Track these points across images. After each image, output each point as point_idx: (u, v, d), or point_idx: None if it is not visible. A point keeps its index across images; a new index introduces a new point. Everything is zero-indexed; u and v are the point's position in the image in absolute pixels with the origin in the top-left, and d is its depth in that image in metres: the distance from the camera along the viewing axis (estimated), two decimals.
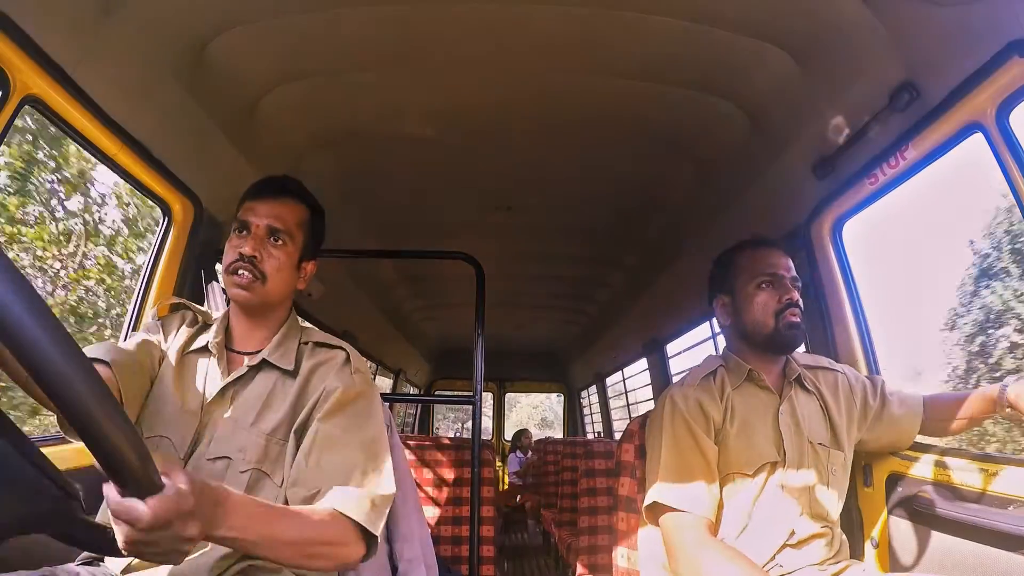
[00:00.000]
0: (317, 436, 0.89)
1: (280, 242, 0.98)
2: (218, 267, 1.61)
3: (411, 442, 2.14)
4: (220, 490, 0.65)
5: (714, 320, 3.07)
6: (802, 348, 1.70)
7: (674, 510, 1.05)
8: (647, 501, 1.10)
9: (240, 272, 0.95)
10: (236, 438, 0.90)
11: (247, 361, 0.97)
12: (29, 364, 0.43)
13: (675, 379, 3.80)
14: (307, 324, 1.07)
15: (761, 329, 1.16)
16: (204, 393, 0.94)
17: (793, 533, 1.08)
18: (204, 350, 0.99)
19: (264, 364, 0.97)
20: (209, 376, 0.96)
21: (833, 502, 1.14)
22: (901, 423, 1.24)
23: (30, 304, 0.43)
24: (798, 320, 1.14)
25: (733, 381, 1.19)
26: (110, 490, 0.53)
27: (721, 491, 1.10)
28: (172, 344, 1.00)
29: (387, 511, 0.86)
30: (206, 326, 1.03)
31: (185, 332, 1.01)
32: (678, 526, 1.04)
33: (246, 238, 0.96)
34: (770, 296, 1.16)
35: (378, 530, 0.83)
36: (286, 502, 0.87)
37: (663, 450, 1.12)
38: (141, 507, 0.53)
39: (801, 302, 1.16)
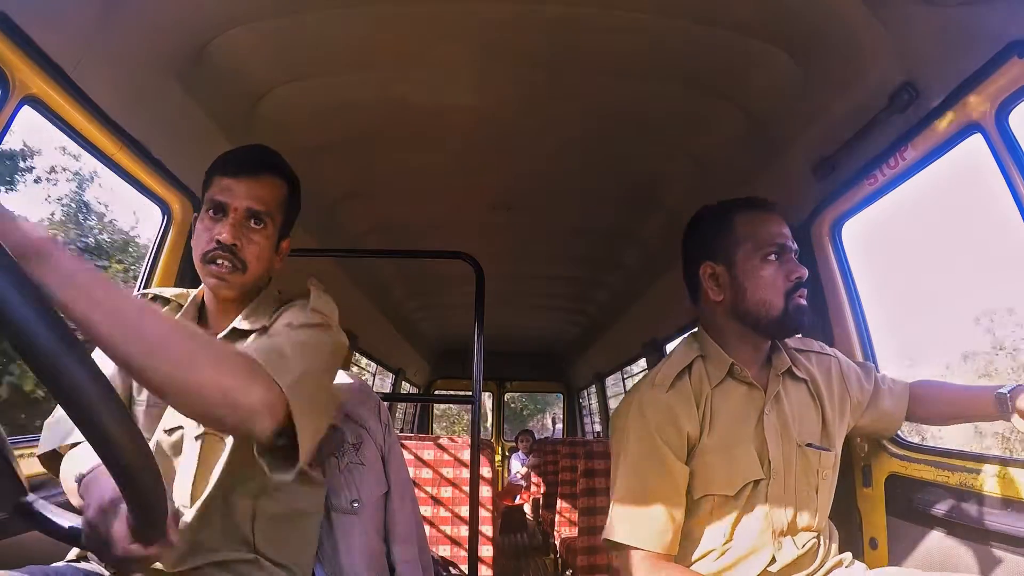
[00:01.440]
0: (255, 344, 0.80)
1: (261, 225, 0.89)
2: None
3: (410, 442, 2.15)
4: (48, 242, 0.53)
5: None
6: None
7: (629, 547, 0.95)
8: (605, 534, 0.99)
9: (218, 261, 0.86)
10: None
11: (219, 336, 0.90)
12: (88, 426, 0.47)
13: None
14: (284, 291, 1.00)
15: (767, 311, 0.99)
16: None
17: (775, 555, 0.97)
18: None
19: (233, 332, 0.91)
20: None
21: (824, 508, 1.05)
22: (890, 411, 1.17)
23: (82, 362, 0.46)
24: (806, 304, 1.00)
25: (713, 376, 1.03)
26: (122, 526, 0.55)
27: (695, 513, 0.98)
28: None
29: (322, 398, 0.75)
30: (179, 307, 0.97)
31: None
32: (634, 564, 0.94)
33: (223, 222, 0.87)
34: (778, 272, 1.00)
35: (285, 383, 0.68)
36: None
37: (623, 471, 0.99)
38: (137, 549, 0.56)
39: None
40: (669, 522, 0.94)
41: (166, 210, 1.58)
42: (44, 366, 0.44)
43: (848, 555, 1.07)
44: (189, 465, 0.87)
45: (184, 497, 0.86)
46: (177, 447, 0.87)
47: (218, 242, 0.86)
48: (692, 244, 1.10)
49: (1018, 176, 1.01)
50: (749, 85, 1.43)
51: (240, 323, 0.91)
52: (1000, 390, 1.00)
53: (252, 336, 0.90)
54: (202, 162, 0.97)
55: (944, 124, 1.14)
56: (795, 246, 1.03)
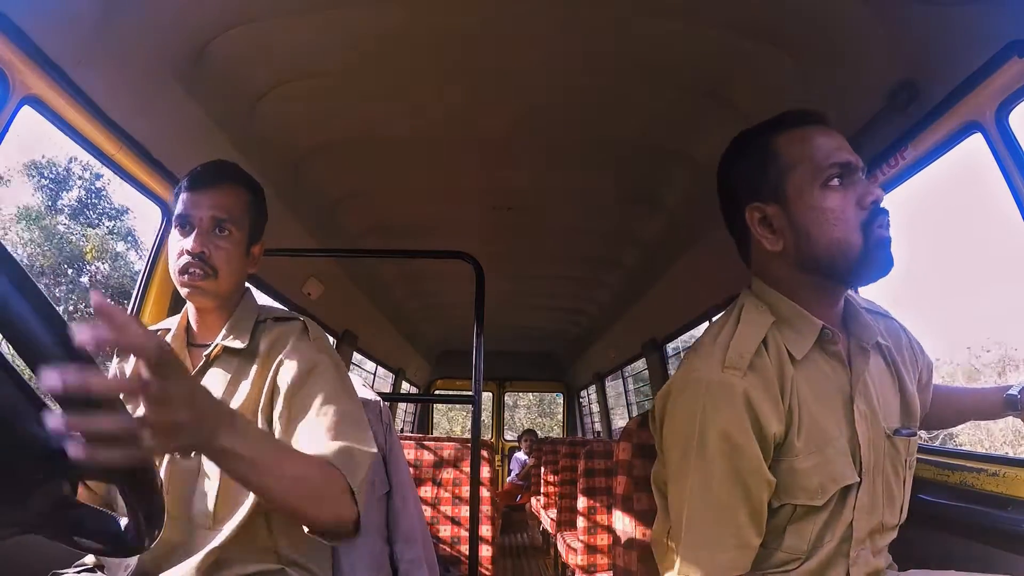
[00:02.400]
0: (290, 411, 0.85)
1: (227, 232, 0.93)
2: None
3: (410, 442, 2.15)
4: (224, 404, 0.61)
5: (715, 319, 3.06)
6: None
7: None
8: (674, 570, 0.77)
9: (191, 271, 0.90)
10: None
11: (204, 353, 0.94)
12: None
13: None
14: (266, 303, 1.04)
15: (844, 252, 0.75)
16: None
17: (850, 569, 0.80)
18: None
19: (223, 351, 0.94)
20: None
21: (907, 502, 0.86)
22: (928, 402, 0.99)
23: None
24: (890, 235, 0.76)
25: (796, 348, 0.78)
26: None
27: (767, 524, 0.77)
28: (131, 366, 0.96)
29: (367, 469, 0.80)
30: (165, 330, 1.01)
31: None
32: None
33: (190, 234, 0.91)
34: (846, 199, 0.76)
35: (356, 483, 0.76)
36: None
37: (690, 487, 0.75)
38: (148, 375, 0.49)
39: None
40: (755, 542, 0.75)
41: (166, 210, 1.58)
42: (42, 365, 0.44)
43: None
44: (211, 487, 0.87)
45: (206, 518, 0.86)
46: (194, 469, 0.87)
47: (188, 252, 0.90)
48: (730, 185, 0.86)
49: (1018, 176, 1.01)
50: (749, 85, 1.43)
51: (227, 340, 0.94)
52: (1010, 391, 0.93)
53: (255, 367, 0.92)
54: (202, 162, 0.97)
55: (944, 123, 1.14)
56: (862, 164, 0.79)
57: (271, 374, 0.89)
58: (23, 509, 0.51)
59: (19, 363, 0.52)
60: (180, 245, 0.91)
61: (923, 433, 1.24)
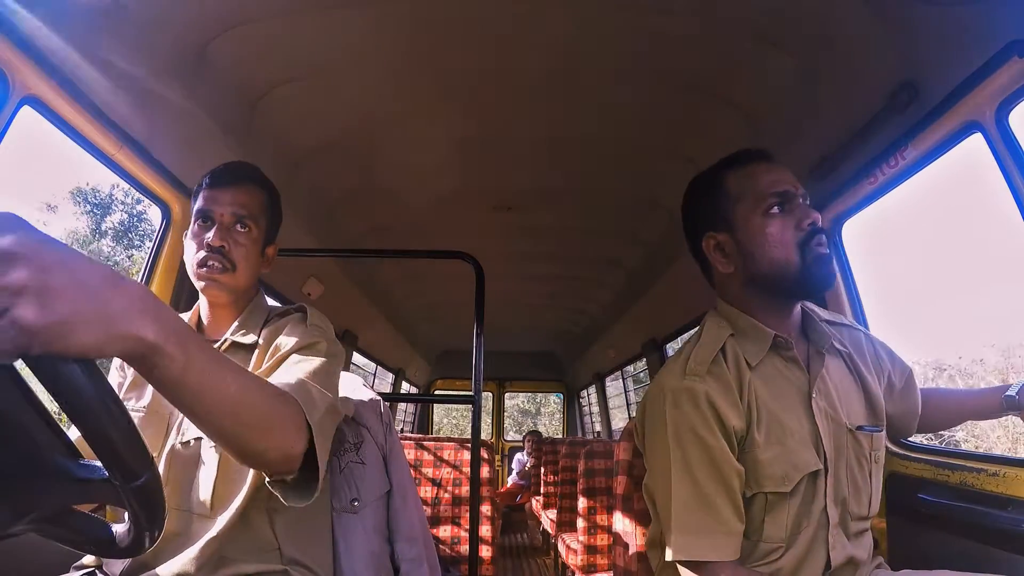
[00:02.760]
0: (269, 368, 0.85)
1: (246, 229, 0.96)
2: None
3: (410, 441, 2.15)
4: (144, 288, 0.46)
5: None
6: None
7: (699, 563, 0.82)
8: (675, 555, 0.83)
9: (210, 263, 0.93)
10: None
11: (215, 347, 0.95)
12: None
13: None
14: (275, 303, 1.06)
15: (784, 270, 0.86)
16: None
17: (831, 553, 0.87)
18: None
19: (231, 345, 0.96)
20: None
21: (876, 495, 0.94)
22: (913, 409, 1.07)
23: None
24: (828, 252, 0.86)
25: (752, 355, 0.89)
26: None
27: (746, 515, 0.85)
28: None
29: (328, 414, 0.75)
30: None
31: None
32: None
33: (211, 228, 0.94)
34: (785, 224, 0.87)
35: (314, 419, 0.69)
36: None
37: (672, 480, 0.84)
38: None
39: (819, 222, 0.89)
40: (739, 527, 0.82)
41: (166, 210, 1.58)
42: (69, 401, 0.44)
43: (880, 559, 1.00)
44: (208, 475, 0.88)
45: (204, 507, 0.87)
46: (194, 458, 0.89)
47: (208, 246, 0.93)
48: (690, 217, 0.99)
49: (1018, 176, 1.01)
50: (749, 85, 1.43)
51: (237, 335, 0.96)
52: (1008, 393, 0.97)
53: (255, 354, 0.93)
54: (202, 163, 0.98)
55: (944, 123, 1.14)
56: (801, 191, 0.90)
57: (267, 360, 0.90)
58: (22, 513, 0.52)
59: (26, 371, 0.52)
60: (200, 238, 0.94)
61: (923, 435, 1.24)
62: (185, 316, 1.03)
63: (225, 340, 0.96)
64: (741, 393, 0.87)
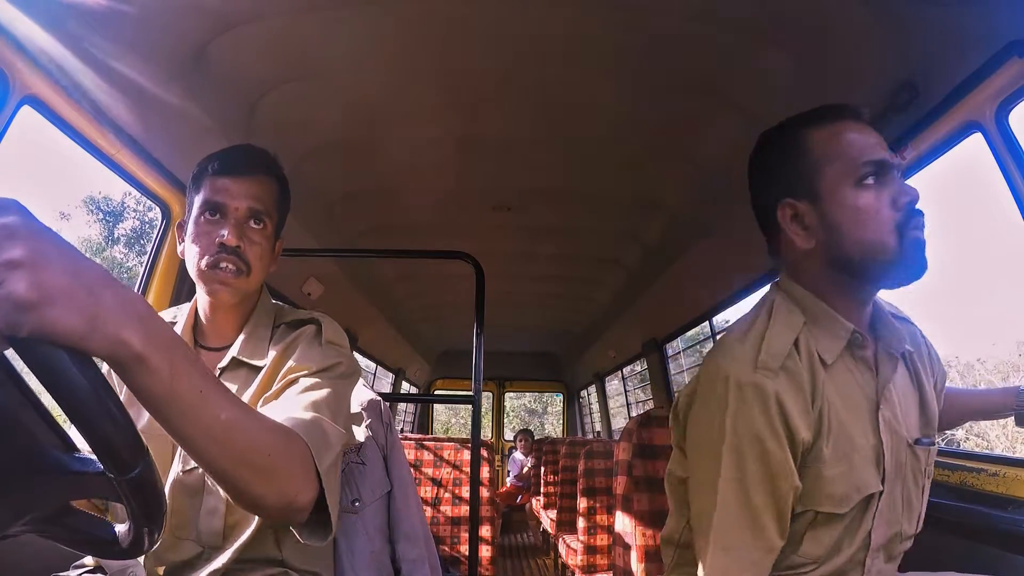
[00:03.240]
0: (277, 391, 0.77)
1: (261, 225, 0.86)
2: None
3: (410, 441, 2.15)
4: (131, 291, 0.44)
5: (714, 320, 3.07)
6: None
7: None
8: (699, 574, 0.75)
9: (223, 265, 0.82)
10: None
11: (219, 364, 0.86)
12: None
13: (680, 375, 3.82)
14: (280, 304, 0.97)
15: (876, 254, 0.74)
16: None
17: (871, 569, 0.79)
18: None
19: (235, 362, 0.87)
20: None
21: (923, 511, 0.85)
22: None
23: None
24: (924, 237, 0.74)
25: (827, 351, 0.77)
26: None
27: (789, 527, 0.75)
28: None
29: (338, 454, 0.69)
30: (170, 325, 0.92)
31: None
32: None
33: (223, 223, 0.82)
34: (880, 199, 0.74)
35: (323, 465, 0.63)
36: None
37: (720, 488, 0.73)
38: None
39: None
40: (778, 544, 0.73)
41: (166, 210, 1.58)
42: (60, 391, 0.44)
43: None
44: (217, 506, 0.82)
45: (215, 538, 0.83)
46: (198, 487, 0.83)
47: (222, 245, 0.82)
48: (761, 179, 0.85)
49: (1018, 176, 1.01)
50: (749, 85, 1.43)
51: (242, 353, 0.86)
52: (1022, 389, 0.94)
53: (263, 373, 0.84)
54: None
55: (944, 123, 1.14)
56: (899, 161, 0.82)
57: (277, 381, 0.81)
58: (25, 516, 0.51)
59: (22, 367, 0.52)
60: (209, 234, 0.82)
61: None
62: (179, 314, 0.94)
63: (229, 357, 0.87)
64: (813, 397, 0.74)
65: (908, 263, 0.73)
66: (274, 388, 0.78)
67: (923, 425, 0.84)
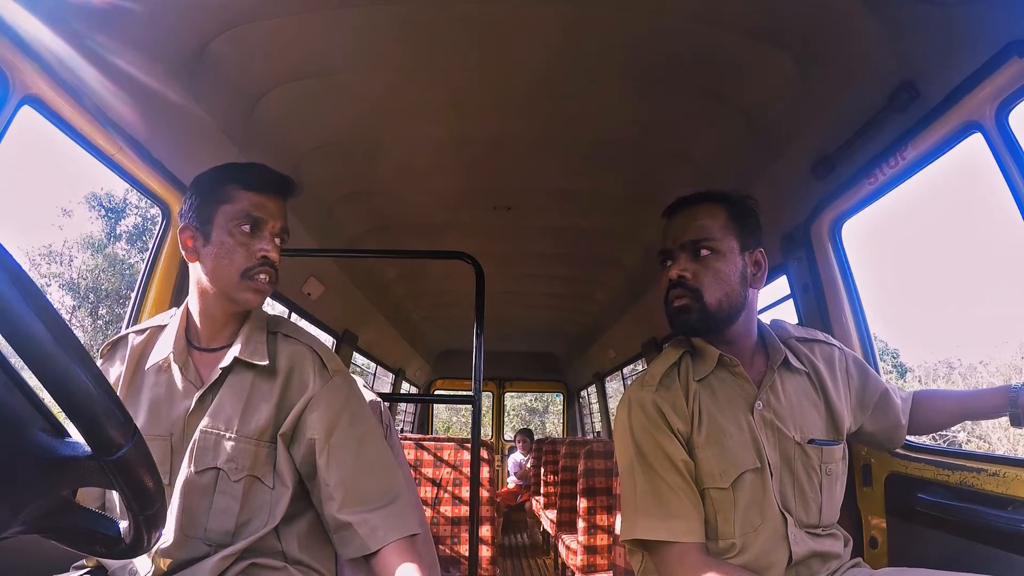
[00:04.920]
0: (330, 458, 0.88)
1: (281, 242, 0.95)
2: None
3: (410, 441, 2.15)
4: None
5: None
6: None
7: (663, 543, 0.92)
8: (627, 535, 0.96)
9: (261, 276, 0.91)
10: (222, 448, 0.87)
11: (220, 364, 0.91)
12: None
13: None
14: (270, 313, 1.04)
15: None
16: (175, 409, 0.90)
17: (792, 549, 0.95)
18: (164, 362, 0.92)
19: (237, 363, 0.92)
20: (177, 389, 0.91)
21: (834, 505, 1.02)
22: (896, 419, 1.12)
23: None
24: (682, 302, 1.03)
25: (699, 370, 1.03)
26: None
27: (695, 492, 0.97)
28: (115, 374, 0.95)
29: (413, 500, 0.90)
30: (158, 328, 0.98)
31: (133, 350, 0.95)
32: (674, 559, 0.92)
33: (260, 237, 0.91)
34: (662, 277, 1.10)
35: (417, 524, 0.88)
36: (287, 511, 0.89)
37: (635, 472, 0.97)
38: None
39: (689, 276, 1.03)
40: (695, 512, 0.94)
41: (166, 210, 1.58)
42: (41, 364, 0.44)
43: (859, 559, 1.06)
44: (230, 506, 0.87)
45: (225, 535, 0.86)
46: (209, 487, 0.87)
47: (264, 258, 0.91)
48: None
49: (1018, 176, 1.01)
50: (748, 85, 1.43)
51: (243, 354, 0.92)
52: (1012, 391, 1.00)
53: (279, 383, 0.93)
54: (202, 162, 0.97)
55: (944, 123, 1.14)
56: (680, 245, 1.08)
57: (294, 403, 0.90)
58: (23, 511, 0.51)
59: (21, 365, 0.52)
60: (248, 247, 0.90)
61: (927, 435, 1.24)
62: (171, 318, 0.98)
63: (231, 358, 0.91)
64: (688, 400, 1.01)
65: (672, 323, 1.05)
66: (295, 407, 0.90)
67: (829, 429, 1.03)
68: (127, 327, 1.50)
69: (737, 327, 1.03)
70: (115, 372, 0.95)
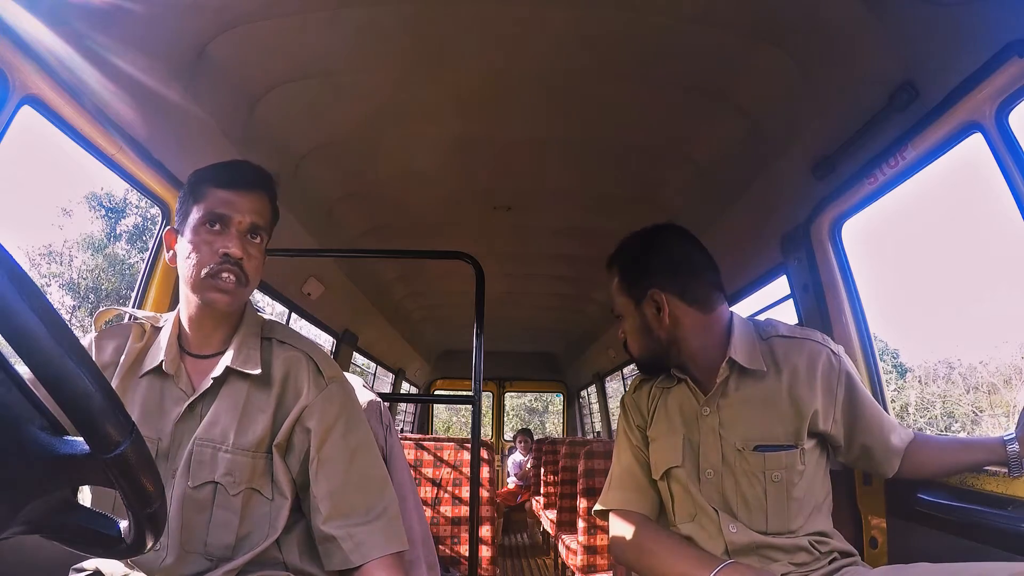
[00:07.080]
0: (320, 470, 0.87)
1: (258, 239, 0.90)
2: None
3: (410, 441, 2.15)
4: None
5: None
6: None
7: (620, 510, 1.11)
8: (596, 507, 1.16)
9: (224, 276, 0.85)
10: (219, 461, 0.85)
11: (212, 373, 0.88)
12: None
13: None
14: (263, 315, 1.00)
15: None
16: (165, 415, 0.87)
17: (727, 544, 0.99)
18: (158, 370, 0.89)
19: (230, 372, 0.88)
20: (169, 397, 0.89)
21: (788, 514, 0.99)
22: (895, 447, 1.05)
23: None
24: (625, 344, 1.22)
25: (664, 382, 1.15)
26: None
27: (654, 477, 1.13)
28: (110, 367, 0.91)
29: (408, 510, 0.88)
30: (155, 329, 0.95)
31: (130, 351, 0.91)
32: (615, 523, 1.11)
33: (226, 235, 0.86)
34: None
35: (405, 540, 0.89)
36: (286, 521, 0.88)
37: (615, 456, 1.19)
38: None
39: (623, 337, 1.20)
40: (648, 490, 1.12)
41: (166, 210, 1.58)
42: (39, 362, 0.44)
43: (856, 557, 1.03)
44: (229, 519, 0.85)
45: (225, 550, 0.85)
46: (208, 501, 0.85)
47: (225, 255, 0.85)
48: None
49: (1018, 176, 1.01)
50: (749, 85, 1.43)
51: (235, 362, 0.89)
52: (1006, 437, 0.97)
53: (274, 392, 0.90)
54: (202, 163, 0.97)
55: (944, 124, 1.14)
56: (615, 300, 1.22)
57: (290, 412, 0.88)
58: (23, 510, 0.51)
59: (20, 364, 0.52)
60: (211, 245, 0.85)
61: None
62: (167, 321, 0.95)
63: (223, 366, 0.88)
64: (649, 403, 1.17)
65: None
66: (290, 415, 0.88)
67: (789, 433, 1.01)
68: None
69: (686, 352, 1.09)
70: (106, 356, 0.91)
